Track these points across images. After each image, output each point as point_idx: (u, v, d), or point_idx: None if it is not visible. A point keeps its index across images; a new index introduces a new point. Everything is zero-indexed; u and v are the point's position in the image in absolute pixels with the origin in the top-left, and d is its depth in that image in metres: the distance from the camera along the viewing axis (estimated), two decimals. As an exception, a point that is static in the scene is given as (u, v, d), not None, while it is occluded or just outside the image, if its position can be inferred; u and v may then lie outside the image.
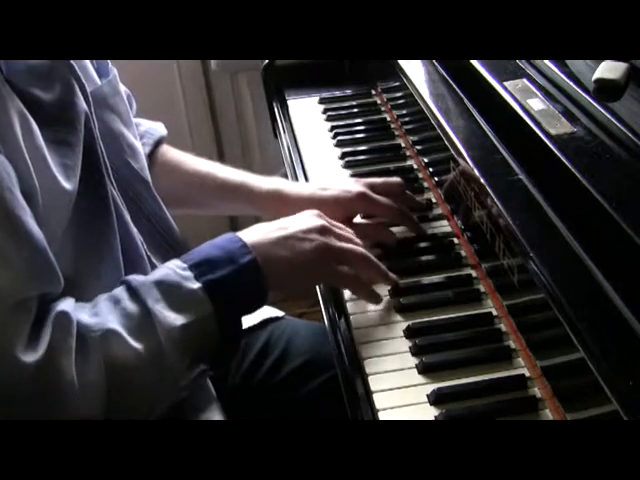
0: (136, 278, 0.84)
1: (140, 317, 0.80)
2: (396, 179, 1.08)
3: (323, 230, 0.90)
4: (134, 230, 0.92)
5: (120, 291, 0.82)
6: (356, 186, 1.04)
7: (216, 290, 0.82)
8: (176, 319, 0.80)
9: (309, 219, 0.92)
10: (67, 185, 0.80)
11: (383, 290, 0.94)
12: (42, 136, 0.79)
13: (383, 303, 0.92)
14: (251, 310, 0.90)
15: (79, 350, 0.77)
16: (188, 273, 0.83)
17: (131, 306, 0.80)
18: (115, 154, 0.93)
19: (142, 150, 1.02)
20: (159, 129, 1.14)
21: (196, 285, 0.82)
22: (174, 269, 0.83)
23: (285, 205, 1.06)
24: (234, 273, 0.83)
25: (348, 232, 0.94)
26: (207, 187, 1.11)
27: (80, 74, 0.86)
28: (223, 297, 0.82)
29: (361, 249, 0.92)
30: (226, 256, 0.84)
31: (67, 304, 0.79)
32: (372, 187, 1.04)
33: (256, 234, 0.88)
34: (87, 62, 0.91)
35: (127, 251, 0.89)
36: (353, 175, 1.16)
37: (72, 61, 0.85)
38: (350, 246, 0.91)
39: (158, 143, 1.12)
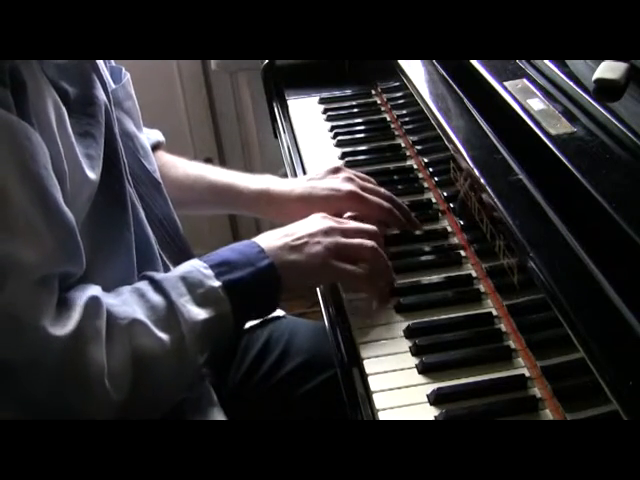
0: (159, 273, 0.87)
1: (165, 309, 0.82)
2: (384, 190, 1.06)
3: (330, 231, 0.93)
4: (148, 228, 0.93)
5: (143, 285, 0.85)
6: (346, 185, 1.04)
7: (234, 290, 0.85)
8: (199, 314, 0.83)
9: (316, 222, 0.94)
10: (91, 175, 0.82)
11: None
12: (70, 126, 0.80)
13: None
14: (264, 311, 0.93)
15: (108, 334, 0.79)
16: (209, 272, 0.86)
17: (156, 298, 0.83)
18: (130, 153, 0.95)
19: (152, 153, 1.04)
20: (156, 135, 1.14)
21: (217, 283, 0.85)
22: (196, 267, 0.86)
23: (274, 206, 1.07)
24: (252, 275, 0.86)
25: (354, 224, 0.96)
26: (197, 191, 1.12)
27: (102, 70, 0.88)
28: (240, 297, 0.85)
29: (368, 241, 0.93)
30: (245, 259, 0.87)
31: (96, 290, 0.82)
32: (363, 188, 1.05)
33: (269, 241, 0.91)
34: (102, 66, 0.92)
35: (141, 248, 0.90)
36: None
37: None
38: (358, 241, 0.93)
39: (154, 148, 1.12)
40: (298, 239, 0.91)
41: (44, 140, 0.76)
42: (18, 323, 0.74)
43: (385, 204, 1.03)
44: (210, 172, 1.13)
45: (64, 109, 0.80)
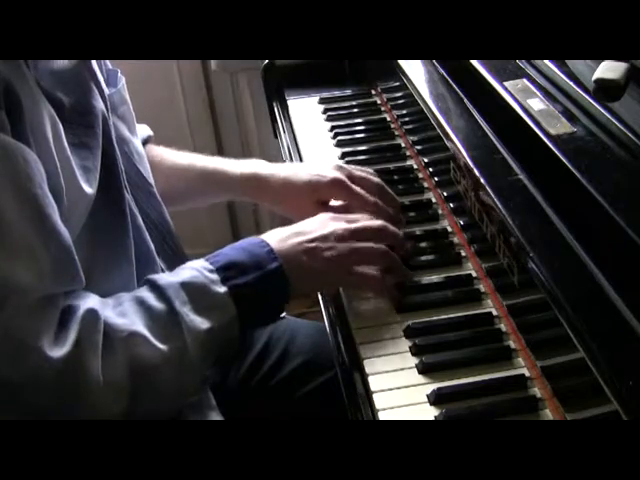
0: (162, 277, 0.84)
1: (166, 318, 0.80)
2: (376, 180, 1.05)
3: (343, 234, 0.90)
4: (146, 234, 0.92)
5: (144, 291, 0.83)
6: (332, 172, 1.03)
7: (241, 295, 0.83)
8: (202, 323, 0.81)
9: (328, 224, 0.92)
10: (87, 188, 0.81)
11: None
12: (65, 138, 0.80)
13: (383, 303, 0.92)
14: (271, 316, 0.90)
15: (105, 348, 0.77)
16: (215, 276, 0.83)
17: (158, 306, 0.81)
18: (126, 159, 0.94)
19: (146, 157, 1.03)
20: (145, 130, 1.14)
21: (222, 289, 0.82)
22: (201, 271, 0.83)
23: (261, 188, 1.06)
24: (260, 279, 0.84)
25: (364, 222, 0.94)
26: (188, 179, 1.12)
27: (100, 79, 0.87)
28: (247, 302, 0.83)
29: (380, 247, 0.91)
30: (253, 261, 0.85)
31: (93, 301, 0.80)
32: (351, 177, 1.03)
33: (279, 240, 0.88)
34: (97, 71, 0.92)
35: (140, 254, 0.89)
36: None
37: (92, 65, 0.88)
38: (369, 246, 0.91)
39: (144, 143, 1.12)
40: (310, 241, 0.88)
41: (41, 157, 0.75)
42: (17, 344, 0.73)
43: (370, 198, 1.01)
44: (198, 159, 1.13)
45: (59, 123, 0.79)
